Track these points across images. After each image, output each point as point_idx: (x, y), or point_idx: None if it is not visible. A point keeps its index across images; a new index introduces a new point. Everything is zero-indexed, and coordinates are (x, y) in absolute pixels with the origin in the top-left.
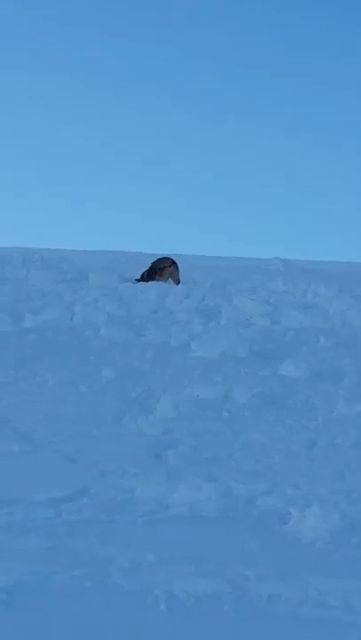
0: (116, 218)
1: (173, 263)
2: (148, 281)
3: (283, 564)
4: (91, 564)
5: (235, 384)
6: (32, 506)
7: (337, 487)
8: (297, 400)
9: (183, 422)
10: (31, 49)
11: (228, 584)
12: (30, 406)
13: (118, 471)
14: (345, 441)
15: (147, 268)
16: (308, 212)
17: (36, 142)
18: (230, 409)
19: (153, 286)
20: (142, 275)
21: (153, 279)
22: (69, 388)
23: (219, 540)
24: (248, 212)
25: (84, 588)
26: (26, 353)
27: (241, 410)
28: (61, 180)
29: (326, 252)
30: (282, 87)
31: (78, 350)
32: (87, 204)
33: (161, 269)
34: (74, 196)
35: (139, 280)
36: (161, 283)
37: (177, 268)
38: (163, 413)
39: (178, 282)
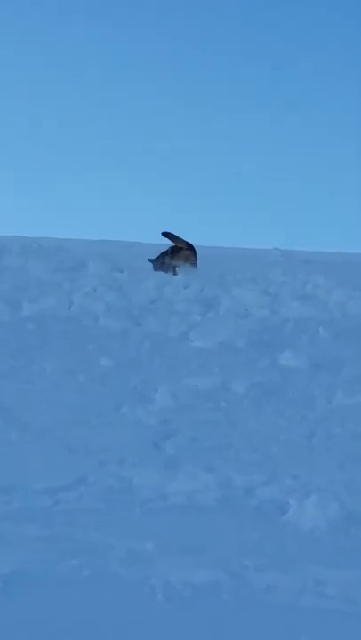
0: (115, 207)
1: (190, 247)
2: (162, 267)
3: (281, 554)
4: (89, 553)
5: (233, 374)
6: (30, 494)
7: (336, 477)
8: (296, 390)
9: (181, 412)
10: (29, 39)
11: (227, 574)
12: (29, 395)
13: (117, 460)
14: (344, 431)
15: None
16: (307, 203)
17: (33, 130)
18: (229, 399)
19: (152, 276)
20: (158, 259)
21: (163, 265)
22: (68, 377)
23: (217, 530)
24: (248, 202)
25: (82, 576)
26: (24, 342)
27: (239, 400)
28: (59, 169)
29: (326, 242)
30: (281, 77)
31: (77, 339)
32: (85, 192)
33: (178, 251)
34: (72, 185)
35: (153, 261)
36: (161, 273)
37: (194, 252)
38: (161, 403)
39: (195, 266)
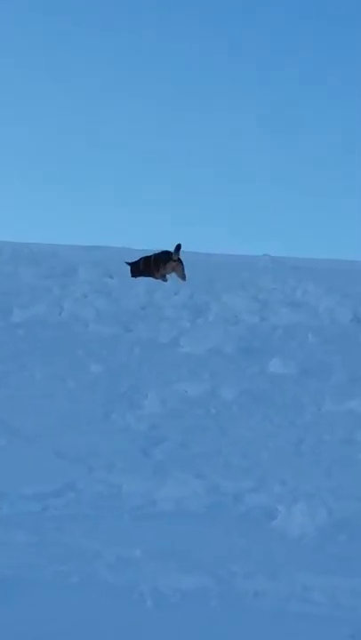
0: (106, 213)
1: (178, 259)
2: (140, 273)
3: (269, 561)
4: (77, 559)
5: (223, 380)
6: (19, 500)
7: (324, 484)
8: (285, 397)
9: (171, 418)
10: (27, 40)
11: (215, 580)
12: (18, 401)
13: (106, 466)
14: (333, 438)
15: (145, 257)
16: (298, 210)
17: (25, 136)
18: (218, 405)
19: (142, 282)
20: (138, 263)
21: (149, 272)
22: (58, 382)
23: (205, 537)
24: (238, 209)
25: (70, 582)
26: (14, 347)
27: (229, 406)
28: (51, 175)
29: (316, 249)
30: (274, 86)
31: (67, 345)
32: (76, 198)
33: (165, 262)
34: (63, 191)
35: (131, 265)
36: (151, 279)
37: (181, 263)
38: (150, 409)
39: (183, 277)
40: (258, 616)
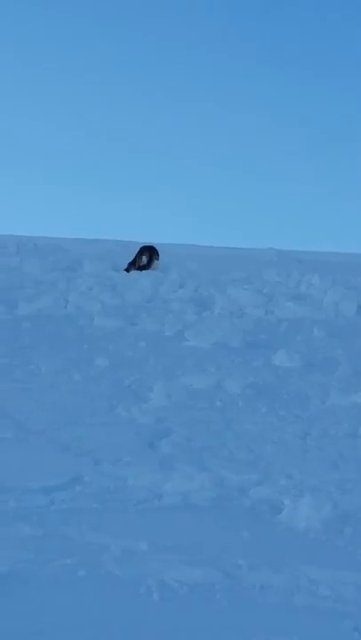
0: (111, 206)
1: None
2: (141, 269)
3: (275, 554)
4: (84, 553)
5: (228, 374)
6: (25, 494)
7: (330, 477)
8: (290, 390)
9: (176, 411)
10: (28, 38)
11: (221, 573)
12: (24, 394)
13: (111, 460)
14: (338, 431)
15: (135, 258)
16: (302, 203)
17: (31, 130)
18: (223, 399)
19: (147, 275)
20: (132, 264)
21: (145, 267)
22: (63, 376)
23: (211, 530)
24: (242, 202)
25: (77, 576)
26: (20, 341)
27: (234, 400)
28: (56, 168)
29: (321, 242)
30: (279, 78)
31: (72, 339)
32: (81, 192)
33: (154, 257)
34: (68, 184)
35: (129, 270)
36: (152, 271)
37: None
38: (156, 402)
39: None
40: (263, 609)
